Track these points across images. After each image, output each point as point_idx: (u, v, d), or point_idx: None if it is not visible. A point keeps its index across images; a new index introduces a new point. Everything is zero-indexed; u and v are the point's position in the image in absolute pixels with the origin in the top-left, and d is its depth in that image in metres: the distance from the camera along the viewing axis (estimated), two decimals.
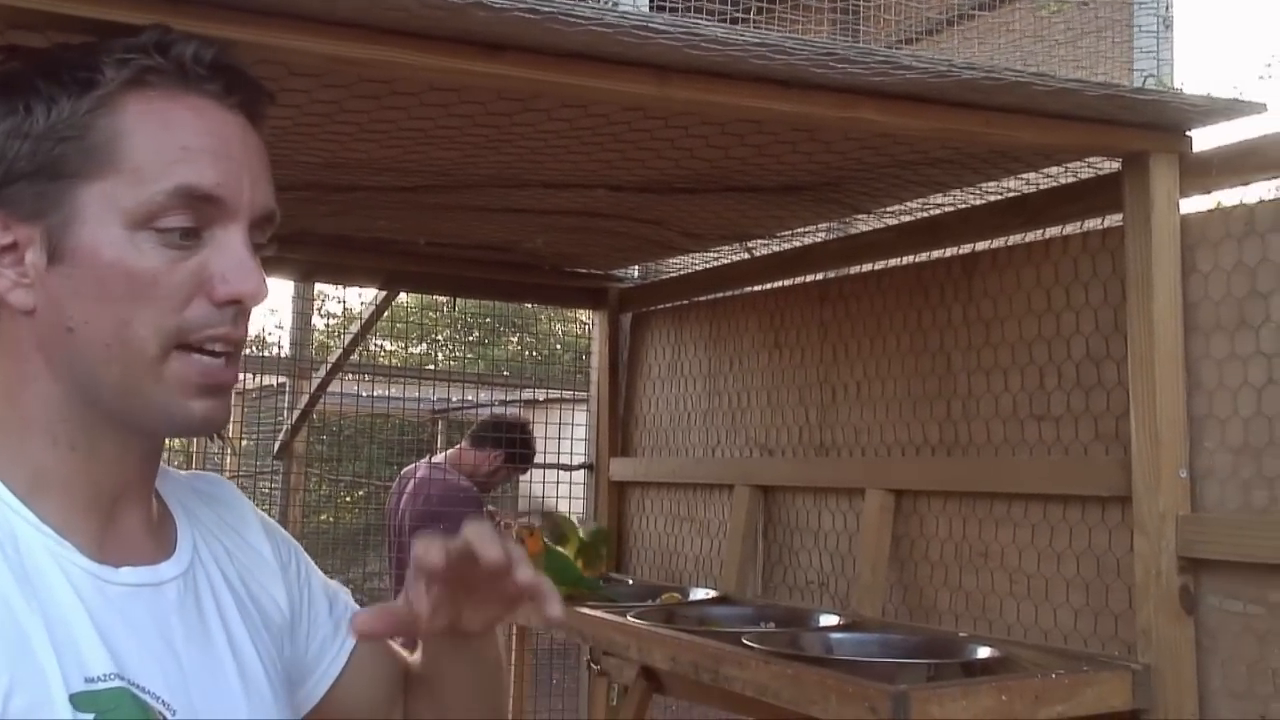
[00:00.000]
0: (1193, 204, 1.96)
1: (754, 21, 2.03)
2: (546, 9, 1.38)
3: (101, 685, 0.91)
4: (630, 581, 3.14)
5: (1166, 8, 2.04)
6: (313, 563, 1.25)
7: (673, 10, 1.86)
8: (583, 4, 1.43)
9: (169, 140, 0.96)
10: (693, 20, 1.52)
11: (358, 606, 1.24)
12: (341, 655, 1.22)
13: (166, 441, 1.10)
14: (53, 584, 0.93)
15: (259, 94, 1.05)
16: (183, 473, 1.19)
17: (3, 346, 0.99)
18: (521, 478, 5.16)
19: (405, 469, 4.77)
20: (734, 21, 1.87)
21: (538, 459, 4.53)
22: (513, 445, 4.46)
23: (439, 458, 4.66)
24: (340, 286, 9.29)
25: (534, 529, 2.68)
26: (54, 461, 0.98)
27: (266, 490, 5.77)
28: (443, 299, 5.68)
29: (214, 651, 1.03)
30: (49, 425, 0.98)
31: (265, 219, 1.03)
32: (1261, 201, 1.86)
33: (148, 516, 1.06)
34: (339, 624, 1.22)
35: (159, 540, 1.06)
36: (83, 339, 0.96)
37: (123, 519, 1.02)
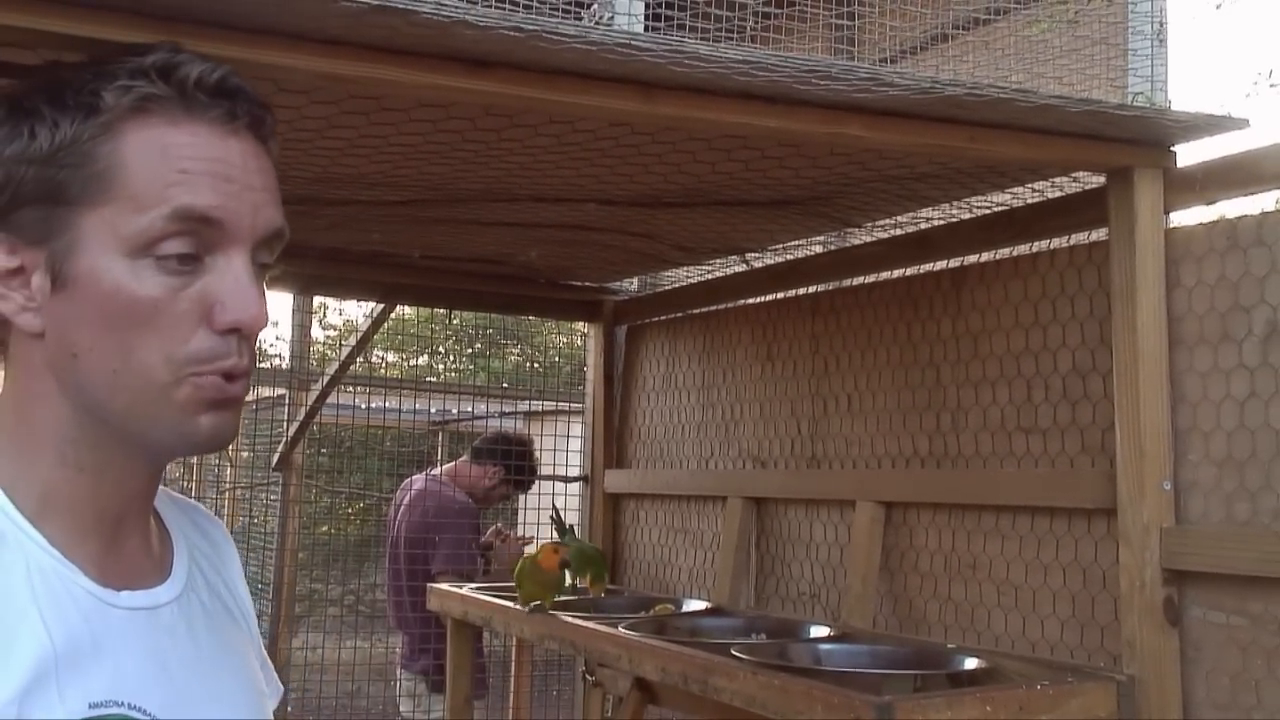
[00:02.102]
0: (1187, 216, 1.97)
1: (750, 35, 2.04)
2: (531, 27, 1.40)
3: (104, 712, 0.92)
4: (625, 593, 3.15)
5: (1160, 25, 2.06)
6: None
7: (668, 24, 1.88)
8: (567, 21, 1.45)
9: (167, 166, 0.96)
10: (676, 37, 1.54)
11: (280, 685, 1.25)
12: None
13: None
14: (62, 609, 0.94)
15: (264, 114, 1.05)
16: (181, 499, 1.20)
17: (16, 366, 1.00)
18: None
19: (404, 481, 4.77)
20: (729, 35, 1.89)
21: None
22: (514, 461, 4.46)
23: (437, 471, 4.66)
24: (339, 299, 9.32)
25: (558, 546, 2.71)
26: (62, 481, 0.99)
27: (265, 503, 5.77)
28: (443, 311, 5.70)
29: (209, 673, 1.05)
30: (59, 445, 0.99)
31: (273, 238, 1.03)
32: (1245, 216, 1.87)
33: (146, 538, 1.07)
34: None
35: (156, 562, 1.07)
36: (88, 364, 0.96)
37: (124, 541, 1.03)
